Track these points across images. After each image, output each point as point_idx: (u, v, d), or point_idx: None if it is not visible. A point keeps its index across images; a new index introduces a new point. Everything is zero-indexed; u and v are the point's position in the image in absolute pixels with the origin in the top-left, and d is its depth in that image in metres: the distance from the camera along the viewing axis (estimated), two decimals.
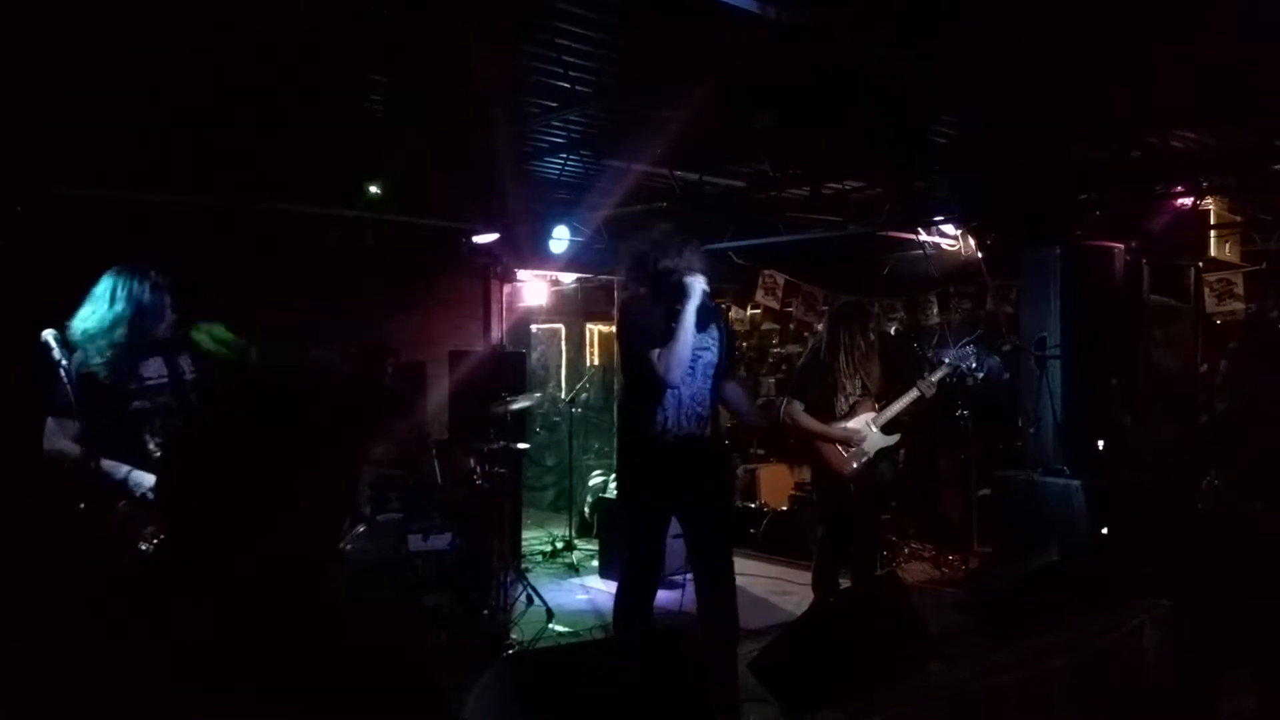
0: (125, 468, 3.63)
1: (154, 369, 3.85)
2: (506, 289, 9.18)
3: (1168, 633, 3.81)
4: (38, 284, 5.47)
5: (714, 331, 4.24)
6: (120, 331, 3.74)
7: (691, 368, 4.10)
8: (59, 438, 3.61)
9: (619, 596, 4.36)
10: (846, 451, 5.39)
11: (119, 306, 3.75)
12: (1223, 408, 3.77)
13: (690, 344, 4.05)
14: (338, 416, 1.33)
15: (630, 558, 4.40)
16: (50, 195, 5.86)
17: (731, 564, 4.42)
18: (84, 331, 3.72)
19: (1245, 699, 3.81)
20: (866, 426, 5.42)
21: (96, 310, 3.75)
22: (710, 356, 4.21)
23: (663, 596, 6.77)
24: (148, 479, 3.63)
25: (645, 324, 4.10)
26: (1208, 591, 3.82)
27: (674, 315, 4.01)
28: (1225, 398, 3.76)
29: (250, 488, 1.24)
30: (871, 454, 5.42)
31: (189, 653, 1.17)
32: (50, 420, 3.62)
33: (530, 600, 6.18)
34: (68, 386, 3.43)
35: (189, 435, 1.33)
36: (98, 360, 3.70)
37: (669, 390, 4.05)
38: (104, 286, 3.79)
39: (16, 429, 4.06)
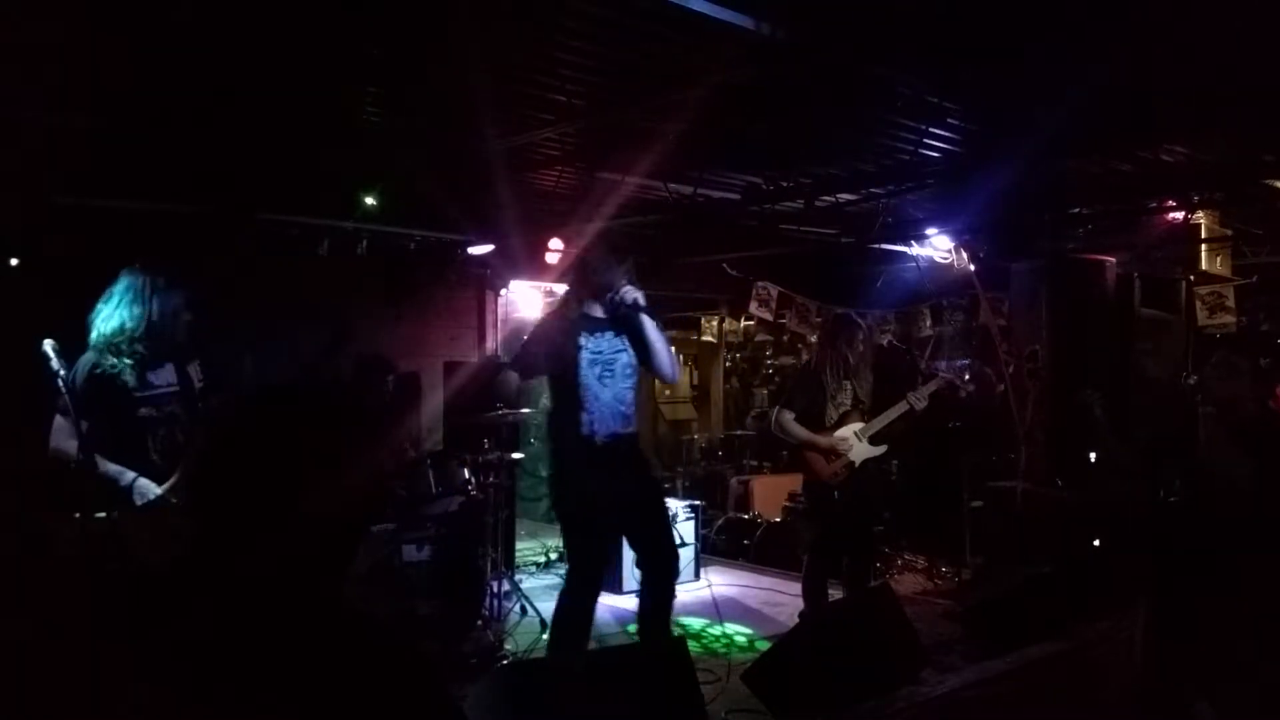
0: (131, 474, 3.62)
1: (164, 377, 3.83)
2: (501, 300, 9.19)
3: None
4: (36, 293, 5.48)
5: (627, 336, 4.47)
6: (139, 335, 3.73)
7: (610, 371, 4.37)
8: (65, 437, 3.58)
9: (560, 610, 4.43)
10: (832, 460, 5.44)
11: (138, 309, 3.74)
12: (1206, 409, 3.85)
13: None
14: (352, 426, 1.35)
15: (573, 569, 4.52)
16: (47, 204, 5.87)
17: (675, 566, 4.64)
18: (102, 334, 3.71)
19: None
20: (854, 436, 5.47)
21: (116, 312, 3.73)
22: (627, 358, 4.45)
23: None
24: (152, 488, 3.62)
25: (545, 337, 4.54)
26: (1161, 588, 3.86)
27: (583, 327, 4.40)
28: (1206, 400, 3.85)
29: (271, 495, 1.27)
30: (858, 463, 5.46)
31: (185, 658, 1.19)
32: (58, 418, 3.60)
33: (524, 610, 6.19)
34: (65, 396, 3.43)
35: (217, 443, 1.35)
36: (113, 362, 3.69)
37: (589, 393, 4.30)
38: (121, 287, 3.77)
39: (14, 436, 4.06)
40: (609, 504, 4.34)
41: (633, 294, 4.34)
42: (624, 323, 4.46)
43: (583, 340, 4.36)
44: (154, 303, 3.76)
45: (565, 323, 4.50)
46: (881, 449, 5.55)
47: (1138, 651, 3.76)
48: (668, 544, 4.53)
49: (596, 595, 4.45)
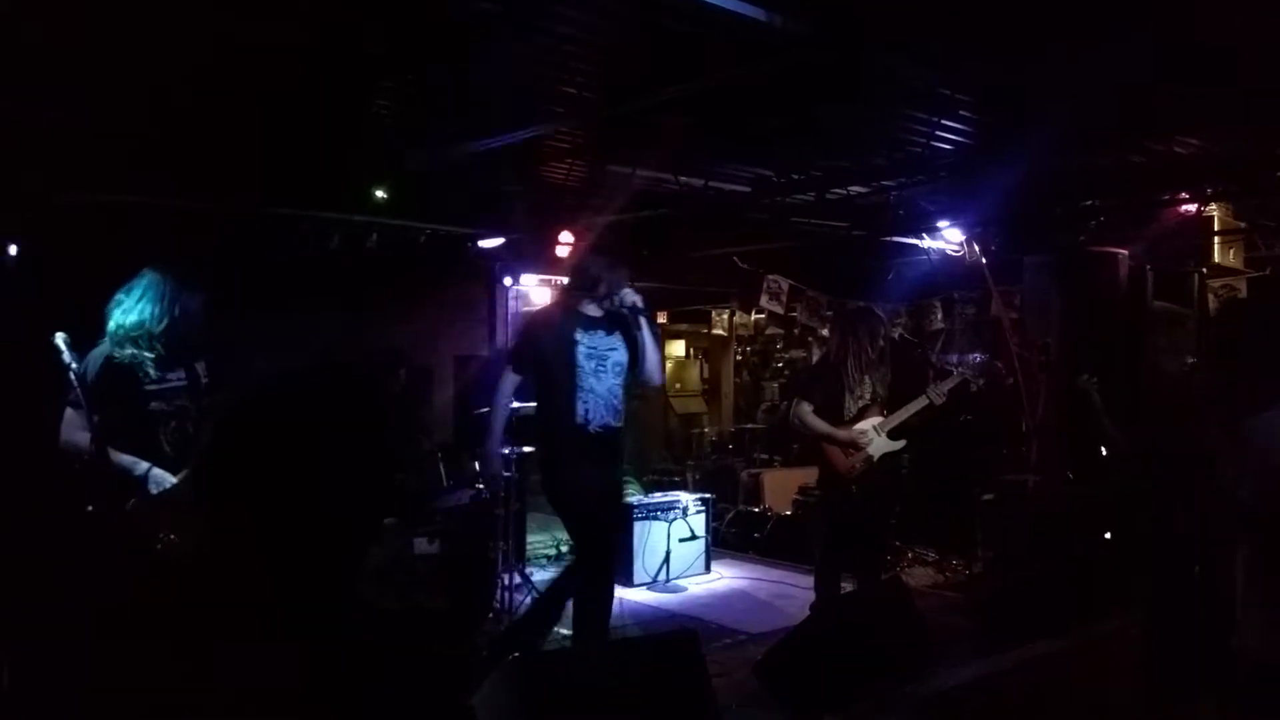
0: (145, 464, 3.64)
1: (174, 371, 3.84)
2: (511, 294, 9.20)
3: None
4: (43, 288, 5.51)
5: (619, 335, 4.70)
6: (158, 334, 3.74)
7: (603, 365, 4.59)
8: (76, 430, 3.59)
9: (570, 598, 4.80)
10: (851, 454, 5.42)
11: (160, 308, 3.75)
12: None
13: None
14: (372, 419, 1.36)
15: (583, 557, 4.75)
16: (53, 200, 5.89)
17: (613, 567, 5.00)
18: (121, 326, 3.72)
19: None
20: (873, 431, 5.45)
21: (137, 306, 3.74)
22: (619, 355, 4.67)
23: (658, 600, 6.81)
24: (168, 477, 3.64)
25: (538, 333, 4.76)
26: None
27: (575, 322, 4.61)
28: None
29: (280, 488, 1.27)
30: (876, 457, 5.45)
31: (195, 651, 1.20)
32: (69, 411, 3.61)
33: None
34: (77, 389, 3.45)
35: (227, 435, 1.35)
36: (130, 353, 3.71)
37: (585, 383, 4.52)
38: (146, 284, 3.77)
39: (27, 431, 4.08)
40: (597, 491, 4.59)
41: (632, 297, 4.58)
42: (620, 323, 4.68)
43: (578, 335, 4.57)
44: (177, 305, 3.77)
45: (560, 317, 4.70)
46: (900, 444, 5.53)
47: (1139, 648, 3.76)
48: (612, 545, 4.91)
49: (612, 578, 4.76)
